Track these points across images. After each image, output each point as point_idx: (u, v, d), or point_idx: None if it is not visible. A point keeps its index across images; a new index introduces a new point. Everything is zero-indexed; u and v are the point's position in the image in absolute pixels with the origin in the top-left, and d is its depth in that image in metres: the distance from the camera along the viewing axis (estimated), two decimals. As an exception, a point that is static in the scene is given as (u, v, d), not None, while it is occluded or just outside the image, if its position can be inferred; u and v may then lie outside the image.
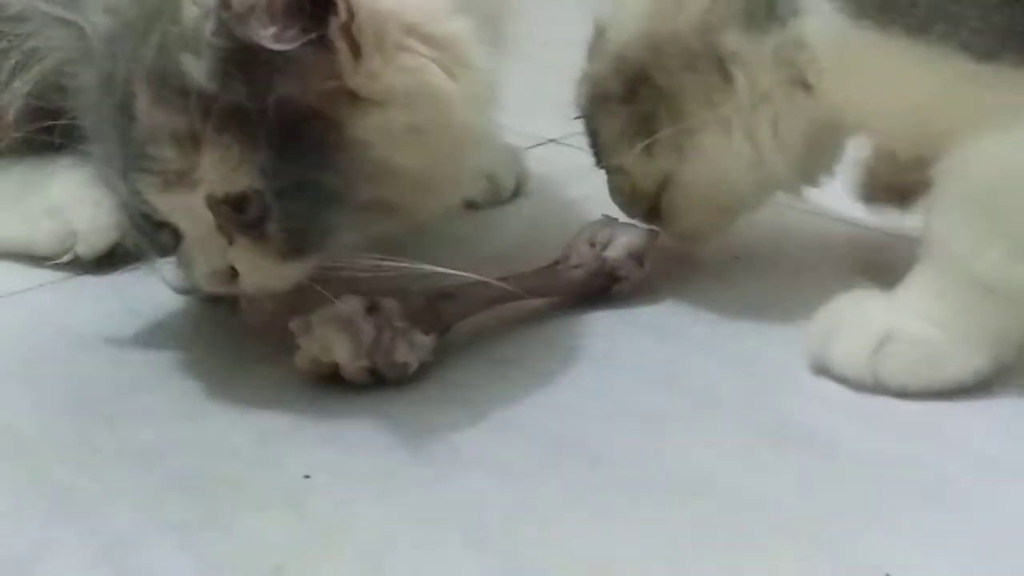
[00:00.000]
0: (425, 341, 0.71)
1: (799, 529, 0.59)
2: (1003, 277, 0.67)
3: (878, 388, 0.68)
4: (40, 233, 0.87)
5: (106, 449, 0.67)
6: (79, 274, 0.86)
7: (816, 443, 0.65)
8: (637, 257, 0.78)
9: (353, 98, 0.66)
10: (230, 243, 0.68)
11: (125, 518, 0.61)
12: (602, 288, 0.79)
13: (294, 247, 0.68)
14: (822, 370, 0.70)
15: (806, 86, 0.72)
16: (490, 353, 0.74)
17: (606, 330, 0.77)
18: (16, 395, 0.72)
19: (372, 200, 0.68)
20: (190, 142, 0.65)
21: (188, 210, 0.67)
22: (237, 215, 0.67)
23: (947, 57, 0.65)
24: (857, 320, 0.70)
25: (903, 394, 0.68)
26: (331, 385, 0.70)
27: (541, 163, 0.88)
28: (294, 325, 0.71)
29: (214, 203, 0.67)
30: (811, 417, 0.67)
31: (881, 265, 0.74)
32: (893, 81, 0.68)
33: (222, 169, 0.65)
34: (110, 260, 0.86)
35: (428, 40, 0.67)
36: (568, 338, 0.76)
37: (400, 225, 0.72)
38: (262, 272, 0.69)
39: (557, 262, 0.79)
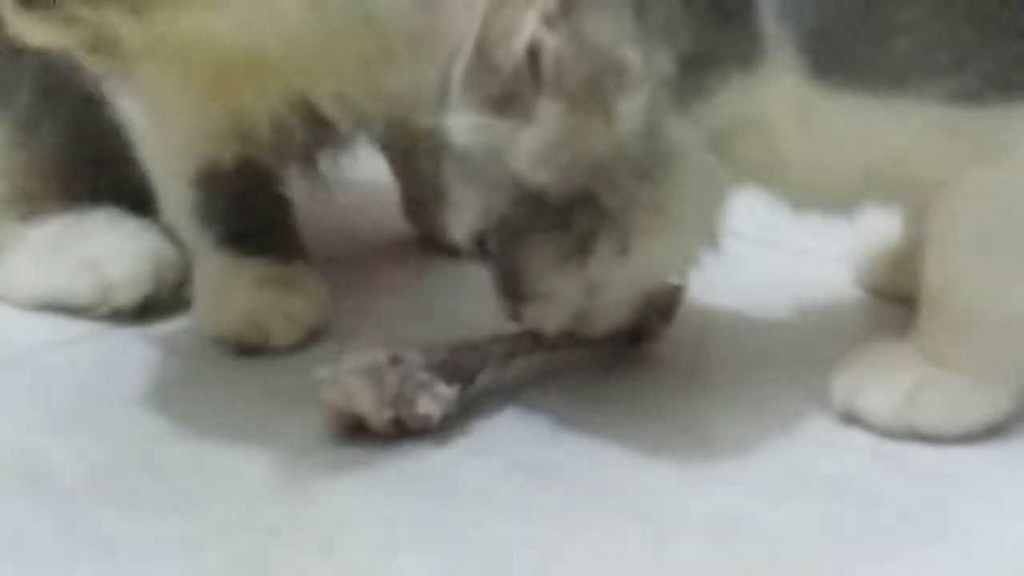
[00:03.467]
0: (448, 392, 0.72)
1: (826, 569, 0.61)
2: None
3: (911, 435, 0.69)
4: (78, 285, 0.89)
5: (147, 498, 0.68)
6: (117, 326, 0.88)
7: (841, 487, 0.67)
8: (664, 313, 0.79)
9: None
10: None
11: (167, 565, 0.63)
12: (628, 342, 0.79)
13: None
14: (851, 419, 0.71)
15: (732, 157, 0.69)
16: (517, 401, 0.76)
17: (632, 379, 0.78)
18: (56, 446, 0.74)
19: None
20: None
21: None
22: None
23: (924, 108, 0.64)
24: (884, 372, 0.71)
25: (936, 440, 0.69)
26: (363, 434, 0.71)
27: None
28: (321, 374, 0.72)
29: None
30: (835, 462, 0.69)
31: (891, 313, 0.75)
32: (862, 138, 0.66)
33: None
34: (147, 312, 0.88)
35: None
36: (594, 387, 0.77)
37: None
38: None
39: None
